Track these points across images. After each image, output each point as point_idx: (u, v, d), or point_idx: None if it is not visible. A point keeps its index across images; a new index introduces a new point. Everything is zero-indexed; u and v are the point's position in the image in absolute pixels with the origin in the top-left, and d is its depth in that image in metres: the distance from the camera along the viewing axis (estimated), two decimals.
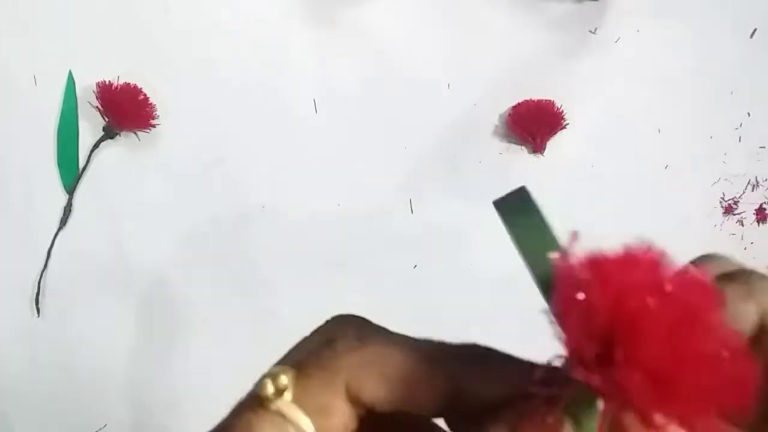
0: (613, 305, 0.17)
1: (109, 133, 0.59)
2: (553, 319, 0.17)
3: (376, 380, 0.19)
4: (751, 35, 0.61)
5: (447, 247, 0.60)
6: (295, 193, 0.60)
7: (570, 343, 0.17)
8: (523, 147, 0.61)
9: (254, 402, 0.19)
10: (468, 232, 0.60)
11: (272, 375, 0.19)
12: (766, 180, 0.62)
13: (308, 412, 0.19)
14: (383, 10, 0.60)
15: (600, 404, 0.18)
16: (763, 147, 0.61)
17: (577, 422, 0.18)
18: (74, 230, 0.60)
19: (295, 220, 0.60)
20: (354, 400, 0.19)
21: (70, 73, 0.59)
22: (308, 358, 0.20)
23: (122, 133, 0.59)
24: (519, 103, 0.60)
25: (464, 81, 0.60)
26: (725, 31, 0.61)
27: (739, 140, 0.61)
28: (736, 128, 0.61)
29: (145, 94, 0.58)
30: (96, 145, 0.59)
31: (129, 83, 0.58)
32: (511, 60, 0.61)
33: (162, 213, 0.60)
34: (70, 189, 0.59)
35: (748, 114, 0.61)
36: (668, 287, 0.17)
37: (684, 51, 0.61)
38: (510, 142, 0.61)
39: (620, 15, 0.61)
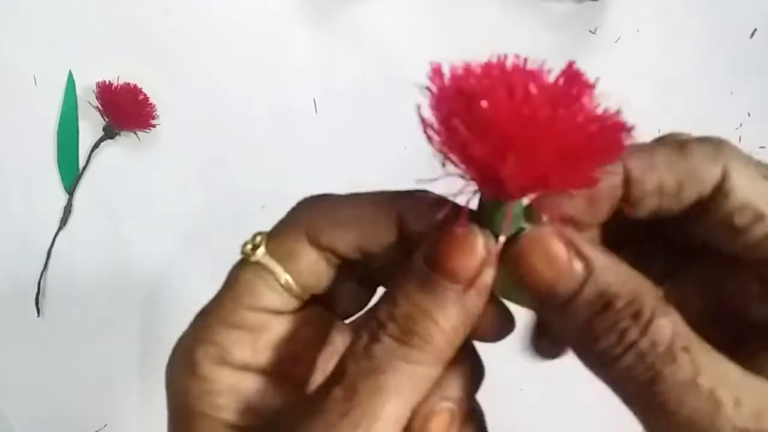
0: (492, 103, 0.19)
1: (109, 133, 0.59)
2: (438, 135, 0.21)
3: (330, 224, 0.23)
4: (751, 35, 0.61)
5: None
6: (295, 193, 0.60)
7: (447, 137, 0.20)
8: None
9: (239, 262, 0.24)
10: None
11: (251, 238, 0.24)
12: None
13: (279, 259, 0.23)
14: (383, 10, 0.60)
15: (505, 206, 0.20)
16: (763, 147, 0.61)
17: (483, 222, 0.20)
18: (74, 230, 0.60)
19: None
20: (316, 244, 0.23)
21: (70, 73, 0.59)
22: (278, 223, 0.24)
23: (122, 133, 0.59)
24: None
25: None
26: (725, 31, 0.61)
27: (739, 140, 0.61)
28: (736, 128, 0.61)
29: (145, 94, 0.58)
30: (96, 145, 0.59)
31: (129, 83, 0.58)
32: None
33: (162, 213, 0.60)
34: (70, 189, 0.59)
35: (748, 114, 0.61)
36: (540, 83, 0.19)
37: (684, 51, 0.61)
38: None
39: (620, 15, 0.61)
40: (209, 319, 0.24)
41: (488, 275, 0.20)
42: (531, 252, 0.19)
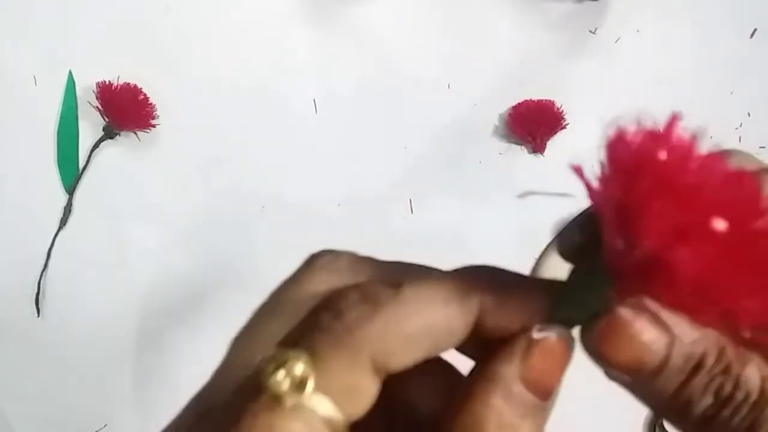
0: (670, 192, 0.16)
1: (109, 133, 0.59)
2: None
3: (402, 343, 0.18)
4: (751, 35, 0.61)
5: (447, 247, 0.60)
6: (295, 193, 0.60)
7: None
8: (523, 147, 0.60)
9: (268, 401, 0.17)
10: (468, 232, 0.60)
11: (284, 364, 0.17)
12: None
13: (335, 398, 0.17)
14: (383, 10, 0.60)
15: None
16: (763, 147, 0.61)
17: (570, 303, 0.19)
18: (74, 230, 0.60)
19: (295, 220, 0.60)
20: (381, 371, 0.18)
21: (70, 73, 0.59)
22: (319, 336, 0.18)
23: (122, 133, 0.59)
24: (519, 103, 0.60)
25: (464, 81, 0.60)
26: (725, 31, 0.61)
27: (739, 140, 0.61)
28: (736, 128, 0.61)
29: (145, 94, 0.58)
30: (96, 145, 0.59)
31: (129, 83, 0.58)
32: (511, 60, 0.61)
33: (162, 213, 0.60)
34: (70, 189, 0.59)
35: (748, 114, 0.61)
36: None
37: (684, 51, 0.61)
38: (510, 142, 0.61)
39: (620, 15, 0.61)
40: None
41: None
42: (607, 334, 0.18)
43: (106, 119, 0.59)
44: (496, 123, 0.61)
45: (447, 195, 0.60)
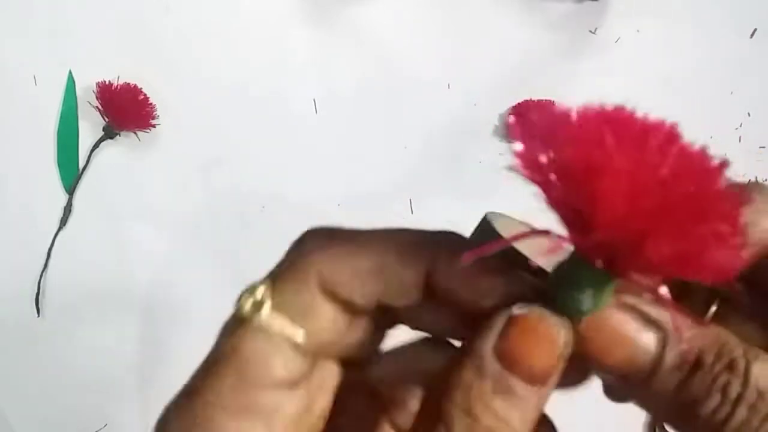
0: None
1: (109, 133, 0.59)
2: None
3: (349, 273, 0.19)
4: (751, 35, 0.61)
5: None
6: (295, 193, 0.60)
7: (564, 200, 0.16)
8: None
9: (236, 323, 0.19)
10: (468, 232, 0.60)
11: (249, 289, 0.19)
12: (766, 180, 0.62)
13: (291, 317, 0.19)
14: (383, 10, 0.60)
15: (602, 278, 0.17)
16: (763, 147, 0.61)
17: (561, 295, 0.17)
18: (74, 230, 0.60)
19: (295, 220, 0.60)
20: (331, 296, 0.19)
21: (70, 73, 0.59)
22: (281, 265, 0.20)
23: (122, 133, 0.59)
24: (519, 103, 0.59)
25: (464, 81, 0.60)
26: (725, 31, 0.61)
27: (739, 140, 0.61)
28: (736, 128, 0.61)
29: (145, 94, 0.58)
30: (96, 145, 0.59)
31: (129, 83, 0.58)
32: (511, 60, 0.61)
33: (162, 213, 0.60)
34: (70, 189, 0.59)
35: (748, 114, 0.61)
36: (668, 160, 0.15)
37: (684, 51, 0.61)
38: (510, 142, 0.61)
39: (620, 15, 0.61)
40: (207, 406, 0.18)
41: (562, 366, 0.18)
42: (595, 334, 0.18)
43: (106, 119, 0.59)
44: (496, 123, 0.61)
45: (447, 195, 0.60)
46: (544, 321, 0.17)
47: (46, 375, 0.60)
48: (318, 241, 0.20)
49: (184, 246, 0.60)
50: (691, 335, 0.17)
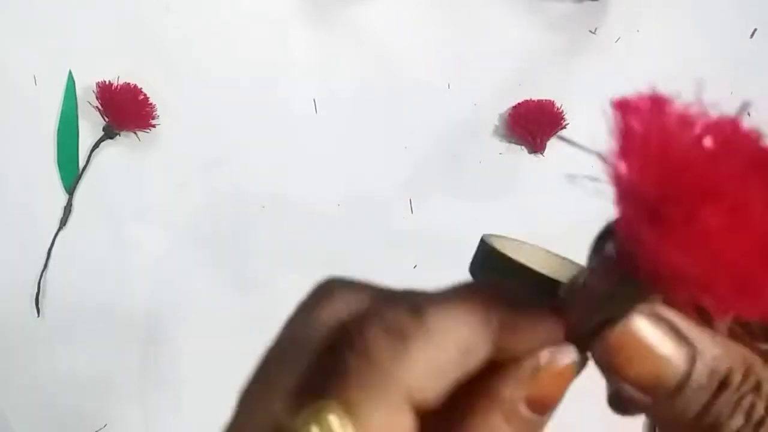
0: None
1: (109, 133, 0.59)
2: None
3: (435, 375, 0.17)
4: (751, 35, 0.61)
5: (447, 247, 0.60)
6: (295, 193, 0.60)
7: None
8: (523, 147, 0.60)
9: None
10: (468, 232, 0.60)
11: (315, 417, 0.16)
12: None
13: None
14: (383, 10, 0.60)
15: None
16: None
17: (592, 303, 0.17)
18: (74, 230, 0.60)
19: (295, 220, 0.60)
20: (417, 406, 0.17)
21: (70, 73, 0.59)
22: (348, 381, 0.17)
23: (122, 133, 0.59)
24: (519, 103, 0.60)
25: (464, 81, 0.60)
26: (725, 31, 0.61)
27: None
28: None
29: (145, 94, 0.58)
30: (96, 145, 0.59)
31: (129, 83, 0.58)
32: (511, 60, 0.61)
33: (162, 213, 0.60)
34: (70, 189, 0.59)
35: (748, 114, 0.61)
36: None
37: (684, 51, 0.61)
38: (510, 142, 0.61)
39: (620, 15, 0.61)
40: None
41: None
42: (623, 345, 0.17)
43: (106, 119, 0.59)
44: (496, 123, 0.61)
45: (447, 195, 0.60)
46: (571, 365, 0.18)
47: (46, 375, 0.60)
48: (388, 345, 0.17)
49: (184, 246, 0.60)
50: (718, 353, 0.17)
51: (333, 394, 0.16)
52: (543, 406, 0.18)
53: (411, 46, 0.60)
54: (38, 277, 0.59)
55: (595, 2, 0.61)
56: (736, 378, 0.17)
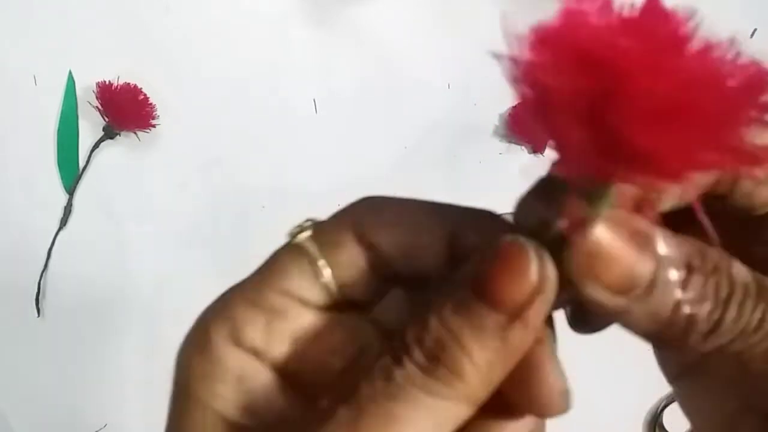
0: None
1: (109, 133, 0.59)
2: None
3: (381, 223, 0.21)
4: (751, 35, 0.61)
5: None
6: (295, 193, 0.60)
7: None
8: (523, 147, 0.61)
9: (285, 245, 0.23)
10: None
11: (301, 222, 0.23)
12: None
13: (320, 246, 0.21)
14: (383, 10, 0.60)
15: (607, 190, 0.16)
16: None
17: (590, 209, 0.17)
18: (74, 230, 0.60)
19: (295, 220, 0.60)
20: (360, 238, 0.21)
21: (70, 73, 0.59)
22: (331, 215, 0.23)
23: (122, 133, 0.59)
24: (519, 103, 0.59)
25: (464, 81, 0.60)
26: (725, 31, 0.61)
27: None
28: None
29: (145, 94, 0.58)
30: (96, 145, 0.59)
31: (129, 83, 0.58)
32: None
33: (162, 213, 0.60)
34: (70, 189, 0.59)
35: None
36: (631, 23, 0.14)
37: None
38: (510, 142, 0.61)
39: None
40: (232, 294, 0.23)
41: (542, 307, 0.17)
42: (588, 256, 0.17)
43: (106, 119, 0.59)
44: (496, 123, 0.61)
45: (447, 195, 0.60)
46: (517, 249, 0.17)
47: (46, 375, 0.60)
48: (362, 200, 0.23)
49: (184, 245, 0.60)
50: (676, 246, 0.17)
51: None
52: (498, 300, 0.17)
53: (411, 46, 0.61)
54: (38, 277, 0.59)
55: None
56: (697, 263, 0.17)
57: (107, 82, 0.58)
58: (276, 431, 0.20)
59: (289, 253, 0.22)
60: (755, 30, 0.61)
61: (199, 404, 0.21)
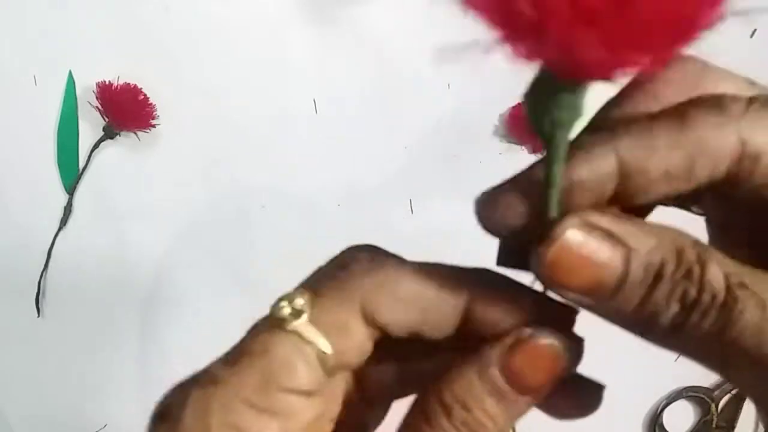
0: None
1: (109, 133, 0.59)
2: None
3: (391, 300, 0.20)
4: (751, 35, 0.61)
5: (447, 247, 0.60)
6: (295, 192, 0.60)
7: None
8: (523, 147, 0.61)
9: (270, 324, 0.20)
10: (468, 232, 0.60)
11: (288, 297, 0.20)
12: None
13: (325, 332, 0.19)
14: (383, 10, 0.60)
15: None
16: None
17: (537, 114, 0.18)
18: (74, 230, 0.60)
19: (295, 220, 0.60)
20: (369, 320, 0.20)
21: (70, 73, 0.59)
22: (323, 280, 0.21)
23: (122, 133, 0.59)
24: (519, 103, 0.60)
25: (464, 81, 0.60)
26: (725, 31, 0.61)
27: None
28: None
29: (145, 94, 0.58)
30: (96, 145, 0.59)
31: (129, 83, 0.58)
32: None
33: (162, 213, 0.60)
34: (70, 189, 0.59)
35: None
36: None
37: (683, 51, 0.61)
38: (510, 142, 0.61)
39: None
40: (231, 397, 0.19)
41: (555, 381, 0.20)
42: (562, 255, 0.18)
43: (106, 119, 0.59)
44: (496, 123, 0.61)
45: (447, 195, 0.60)
46: (551, 349, 0.19)
47: (46, 375, 0.60)
48: (364, 263, 0.21)
49: (184, 246, 0.60)
50: (652, 246, 0.17)
51: (309, 285, 0.21)
52: (522, 385, 0.19)
53: (411, 46, 0.60)
54: (38, 277, 0.59)
55: None
56: (669, 269, 0.17)
57: (107, 82, 0.58)
58: None
59: (289, 343, 0.19)
60: (755, 30, 0.61)
61: None
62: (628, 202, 0.18)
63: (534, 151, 0.60)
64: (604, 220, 0.18)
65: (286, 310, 0.19)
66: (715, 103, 0.19)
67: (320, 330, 0.19)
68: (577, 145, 0.18)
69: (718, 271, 0.17)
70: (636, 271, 0.17)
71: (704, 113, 0.18)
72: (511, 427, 0.20)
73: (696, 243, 0.18)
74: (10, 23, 0.59)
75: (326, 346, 0.19)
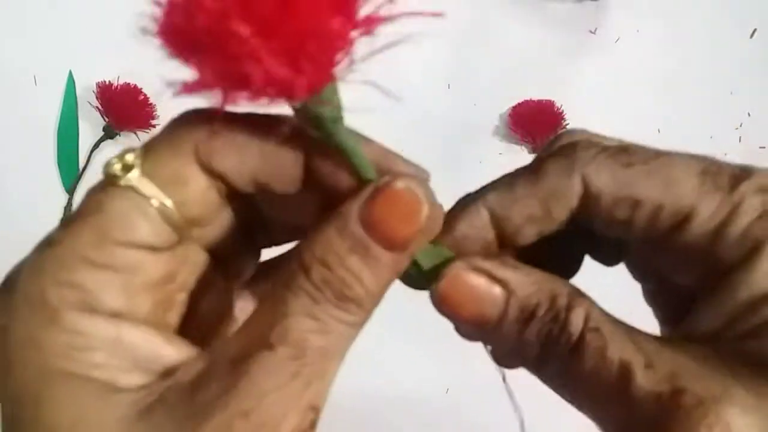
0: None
1: (109, 133, 0.59)
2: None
3: (226, 146, 0.19)
4: (751, 35, 0.61)
5: None
6: None
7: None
8: (523, 147, 0.61)
9: (104, 184, 0.19)
10: None
11: (119, 154, 0.19)
12: None
13: (161, 184, 0.19)
14: (383, 9, 0.60)
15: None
16: (763, 147, 0.61)
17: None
18: None
19: None
20: (207, 169, 0.19)
21: (70, 73, 0.59)
22: (154, 138, 0.20)
23: (122, 133, 0.59)
24: (519, 103, 0.60)
25: (464, 81, 0.60)
26: (725, 31, 0.61)
27: (739, 140, 0.61)
28: (736, 128, 0.61)
29: (145, 94, 0.58)
30: (96, 145, 0.59)
31: (129, 83, 0.58)
32: (511, 60, 0.61)
33: None
34: (70, 189, 0.59)
35: (748, 114, 0.61)
36: None
37: (684, 51, 0.61)
38: (510, 142, 0.61)
39: (620, 15, 0.61)
40: (65, 255, 0.18)
41: (425, 240, 0.20)
42: (451, 290, 0.20)
43: (106, 119, 0.59)
44: (496, 123, 0.61)
45: (447, 195, 0.60)
46: (410, 193, 0.20)
47: None
48: (193, 116, 0.20)
49: None
50: (530, 291, 0.20)
51: (144, 144, 0.20)
52: (385, 237, 0.19)
53: (410, 46, 0.60)
54: None
55: (595, 2, 0.61)
56: (541, 310, 0.20)
57: (107, 82, 0.58)
58: (201, 384, 0.18)
59: (122, 197, 0.19)
60: (755, 30, 0.61)
61: (75, 380, 0.18)
62: (511, 244, 0.22)
63: (534, 150, 0.60)
64: (488, 264, 0.20)
65: (117, 167, 0.19)
66: (567, 152, 0.21)
67: (155, 183, 0.19)
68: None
69: (580, 316, 0.20)
70: (513, 309, 0.20)
71: (554, 162, 0.21)
72: (382, 290, 0.19)
73: (572, 292, 0.20)
74: (10, 23, 0.59)
75: (162, 197, 0.19)
